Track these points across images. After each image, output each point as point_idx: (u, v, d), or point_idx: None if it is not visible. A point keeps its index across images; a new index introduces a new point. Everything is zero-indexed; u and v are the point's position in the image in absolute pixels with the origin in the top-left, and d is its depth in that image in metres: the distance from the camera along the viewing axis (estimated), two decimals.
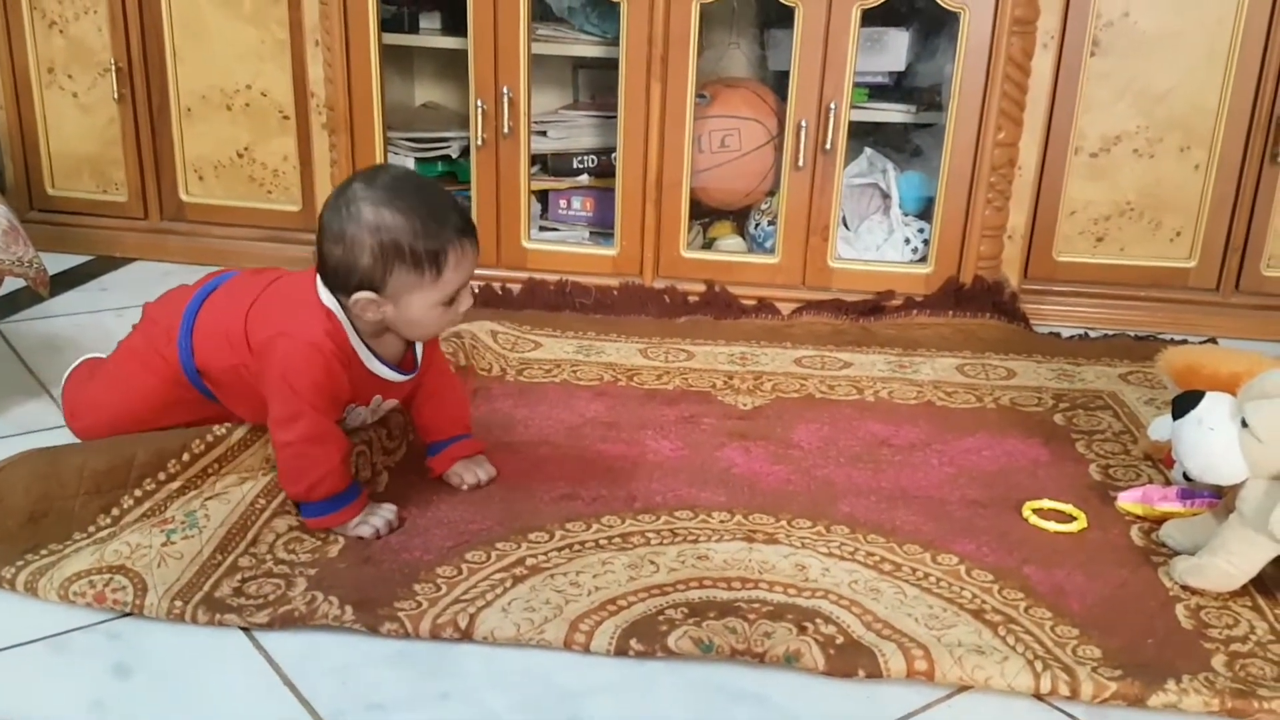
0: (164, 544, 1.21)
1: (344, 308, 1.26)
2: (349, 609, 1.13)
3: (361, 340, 1.29)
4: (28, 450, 1.35)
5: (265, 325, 1.28)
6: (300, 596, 1.16)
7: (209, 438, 1.36)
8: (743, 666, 1.10)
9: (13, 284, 1.86)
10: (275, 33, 2.20)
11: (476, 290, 2.08)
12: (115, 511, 1.28)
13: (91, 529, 1.25)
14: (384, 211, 1.20)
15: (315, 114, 2.15)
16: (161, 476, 1.32)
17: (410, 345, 1.35)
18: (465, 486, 1.39)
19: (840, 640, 1.12)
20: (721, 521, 1.34)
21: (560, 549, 1.27)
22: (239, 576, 1.19)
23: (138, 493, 1.30)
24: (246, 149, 2.29)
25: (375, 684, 1.06)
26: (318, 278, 1.27)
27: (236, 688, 1.06)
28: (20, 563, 1.19)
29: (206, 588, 1.17)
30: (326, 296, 1.26)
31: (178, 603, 1.14)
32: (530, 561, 1.24)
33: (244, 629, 1.13)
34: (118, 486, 1.30)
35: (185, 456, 1.34)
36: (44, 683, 1.06)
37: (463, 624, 1.12)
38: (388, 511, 1.30)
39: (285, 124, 2.26)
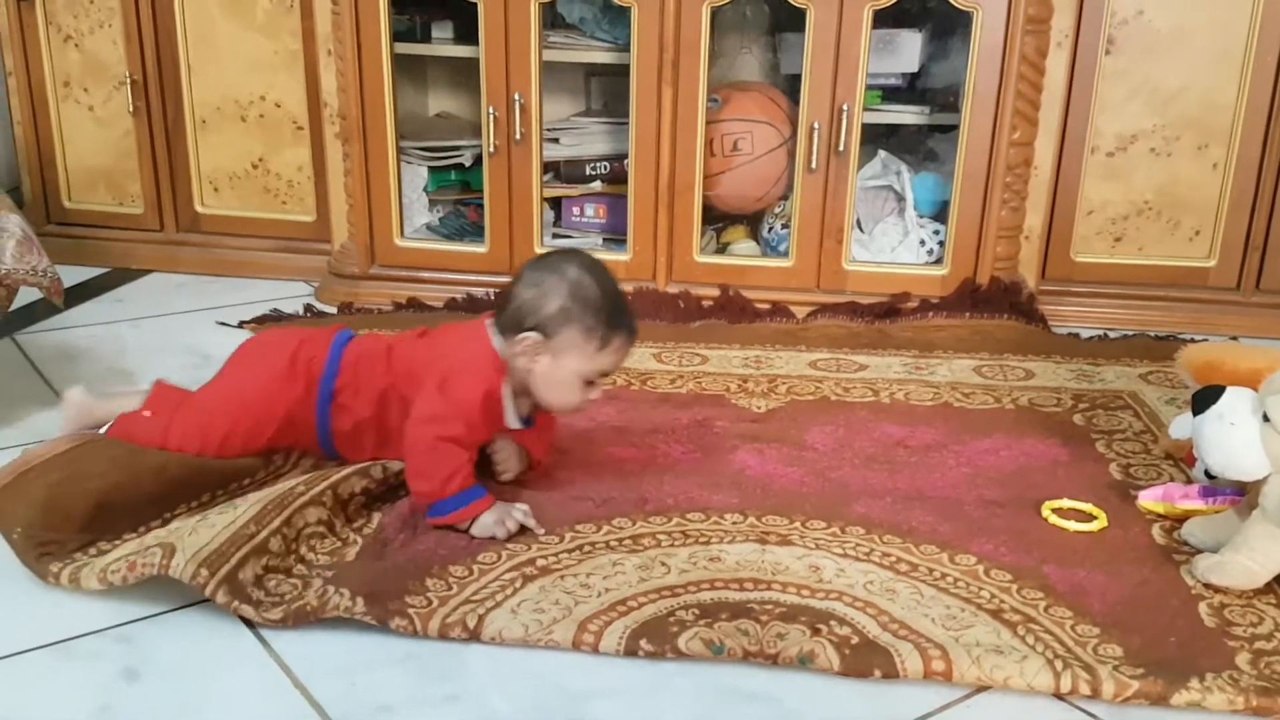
0: (199, 520, 1.21)
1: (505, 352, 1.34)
2: (360, 600, 1.12)
3: (511, 393, 1.36)
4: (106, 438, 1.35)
5: (439, 359, 1.35)
6: (314, 593, 1.15)
7: (271, 466, 1.37)
8: (755, 668, 1.09)
9: (29, 295, 1.87)
10: (288, 43, 2.21)
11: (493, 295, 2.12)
12: (167, 515, 1.27)
13: (141, 529, 1.24)
14: (587, 278, 1.32)
15: (329, 124, 2.15)
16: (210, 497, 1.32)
17: (536, 408, 1.39)
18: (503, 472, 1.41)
19: (855, 641, 1.10)
20: (734, 523, 1.33)
21: (571, 550, 1.26)
22: (264, 562, 1.17)
23: (194, 503, 1.30)
24: (261, 160, 2.30)
25: (384, 685, 1.06)
26: (488, 325, 1.36)
27: (246, 690, 1.05)
28: (69, 560, 1.18)
29: (234, 561, 1.14)
30: (498, 342, 1.34)
31: (203, 570, 1.12)
32: (541, 562, 1.23)
33: (252, 628, 1.12)
34: (183, 500, 1.29)
35: (246, 480, 1.34)
36: (52, 686, 1.06)
37: (471, 624, 1.11)
38: (522, 509, 1.30)
39: (299, 134, 2.27)
